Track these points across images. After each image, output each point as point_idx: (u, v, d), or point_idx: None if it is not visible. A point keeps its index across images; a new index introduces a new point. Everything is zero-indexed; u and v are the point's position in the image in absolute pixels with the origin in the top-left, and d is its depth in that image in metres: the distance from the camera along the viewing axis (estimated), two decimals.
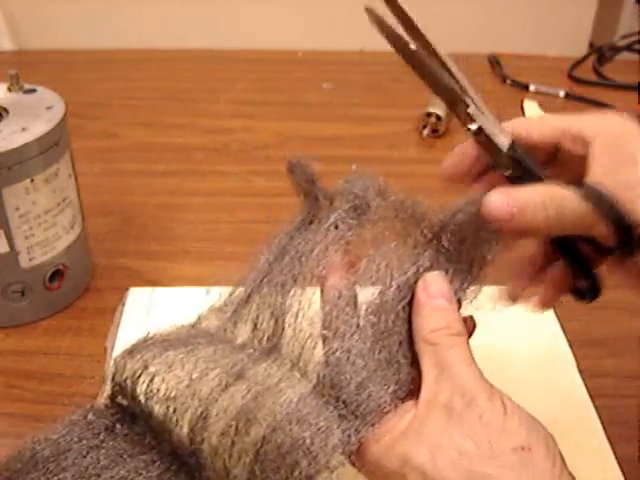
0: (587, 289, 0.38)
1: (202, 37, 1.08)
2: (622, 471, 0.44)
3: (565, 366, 0.52)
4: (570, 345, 0.53)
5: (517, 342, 0.54)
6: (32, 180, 0.49)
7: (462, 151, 0.38)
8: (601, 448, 0.45)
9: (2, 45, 1.06)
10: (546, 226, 0.33)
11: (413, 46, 0.35)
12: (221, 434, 0.33)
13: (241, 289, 0.38)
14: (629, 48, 1.09)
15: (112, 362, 0.37)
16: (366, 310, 0.35)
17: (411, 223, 0.37)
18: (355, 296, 0.35)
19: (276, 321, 0.36)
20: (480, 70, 1.04)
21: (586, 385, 0.50)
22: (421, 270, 0.36)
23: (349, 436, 0.32)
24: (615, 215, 0.33)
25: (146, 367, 0.35)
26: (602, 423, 0.47)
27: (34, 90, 0.55)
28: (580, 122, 0.36)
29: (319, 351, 0.35)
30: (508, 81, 0.99)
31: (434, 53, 0.36)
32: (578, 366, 0.52)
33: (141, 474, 0.34)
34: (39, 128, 0.49)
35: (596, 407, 0.48)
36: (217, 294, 0.39)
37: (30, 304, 0.54)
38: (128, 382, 0.35)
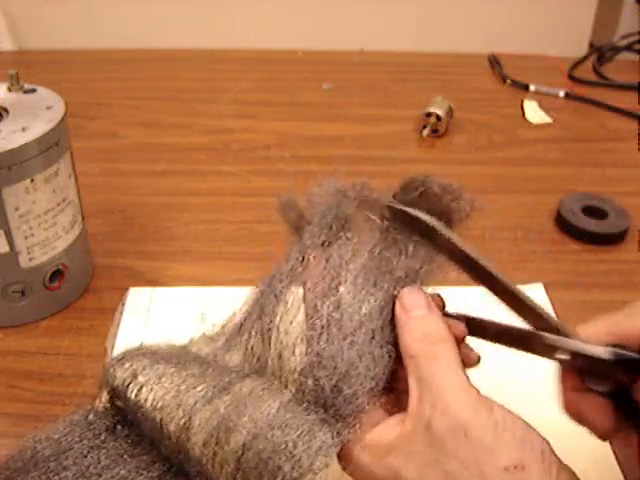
0: None
1: (202, 37, 1.08)
2: (622, 471, 0.44)
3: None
4: None
5: None
6: (32, 180, 0.49)
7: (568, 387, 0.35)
8: (602, 448, 0.45)
9: (2, 45, 1.06)
10: None
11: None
12: (203, 445, 0.33)
13: (234, 322, 0.38)
14: (629, 48, 1.09)
15: (104, 369, 0.37)
16: (327, 308, 0.34)
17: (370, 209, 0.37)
18: (320, 298, 0.35)
19: (263, 341, 0.36)
20: (480, 70, 1.05)
21: None
22: (376, 253, 0.35)
23: (332, 438, 0.32)
24: None
25: (135, 376, 0.35)
26: None
27: (34, 90, 0.55)
28: None
29: (298, 360, 0.34)
30: (508, 81, 0.99)
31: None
32: None
33: (142, 474, 0.34)
34: (39, 128, 0.49)
35: None
36: (210, 324, 0.39)
37: (30, 304, 0.54)
38: (120, 389, 0.36)
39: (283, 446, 0.31)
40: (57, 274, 0.55)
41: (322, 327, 0.34)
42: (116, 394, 0.37)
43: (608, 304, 0.59)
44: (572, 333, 0.33)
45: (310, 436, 0.32)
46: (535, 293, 0.59)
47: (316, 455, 0.31)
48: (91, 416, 0.37)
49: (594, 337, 0.33)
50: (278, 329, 0.35)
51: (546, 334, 0.33)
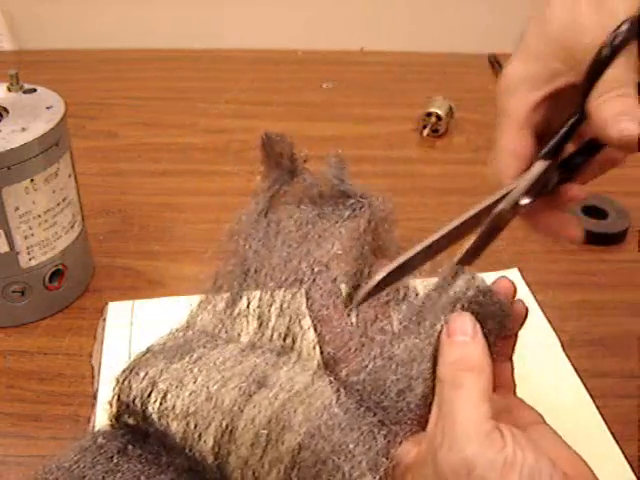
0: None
1: (202, 37, 1.08)
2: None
3: (561, 367, 0.52)
4: (569, 345, 0.53)
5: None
6: (32, 180, 0.49)
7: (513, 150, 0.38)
8: (608, 448, 0.45)
9: (2, 45, 1.06)
10: None
11: None
12: (251, 445, 0.32)
13: (227, 279, 0.37)
14: None
15: (114, 382, 0.36)
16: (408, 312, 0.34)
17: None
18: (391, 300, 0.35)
19: (290, 319, 0.35)
20: (480, 70, 1.04)
21: (585, 385, 0.50)
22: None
23: (389, 442, 0.32)
24: None
25: (155, 384, 0.34)
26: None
27: (34, 90, 0.55)
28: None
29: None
30: None
31: None
32: (579, 366, 0.52)
33: None
34: (39, 128, 0.49)
35: (597, 407, 0.48)
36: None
37: (30, 304, 0.54)
38: (137, 402, 0.34)
39: (343, 446, 0.31)
40: (57, 274, 0.55)
41: (393, 333, 0.33)
42: (127, 409, 0.35)
43: (608, 304, 0.59)
44: None
45: (370, 437, 0.31)
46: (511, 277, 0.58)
47: (377, 456, 0.31)
48: (100, 439, 0.36)
49: None
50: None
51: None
